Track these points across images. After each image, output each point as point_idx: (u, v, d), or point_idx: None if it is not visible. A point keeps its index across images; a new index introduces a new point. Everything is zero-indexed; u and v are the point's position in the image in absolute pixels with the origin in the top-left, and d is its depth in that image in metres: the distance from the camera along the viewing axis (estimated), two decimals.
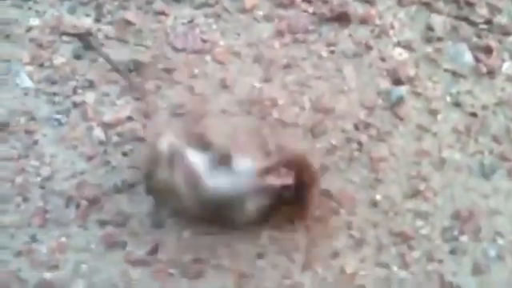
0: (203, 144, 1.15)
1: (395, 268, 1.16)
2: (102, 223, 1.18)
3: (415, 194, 1.22)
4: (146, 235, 1.18)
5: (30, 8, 1.34)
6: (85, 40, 1.25)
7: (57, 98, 1.28)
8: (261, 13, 1.35)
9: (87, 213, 1.18)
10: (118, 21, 1.34)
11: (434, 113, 1.30)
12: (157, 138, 1.13)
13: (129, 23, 1.33)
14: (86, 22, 1.33)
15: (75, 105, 1.27)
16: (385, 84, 1.31)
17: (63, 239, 1.17)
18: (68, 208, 1.19)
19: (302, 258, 1.17)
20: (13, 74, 1.28)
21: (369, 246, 1.18)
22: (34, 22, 1.33)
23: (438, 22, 1.36)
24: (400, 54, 1.33)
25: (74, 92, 1.28)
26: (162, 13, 1.35)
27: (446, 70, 1.33)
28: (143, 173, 1.14)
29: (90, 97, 1.28)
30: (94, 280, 1.13)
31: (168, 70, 1.30)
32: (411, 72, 1.32)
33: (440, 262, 1.17)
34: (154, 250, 1.16)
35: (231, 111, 1.28)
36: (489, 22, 1.36)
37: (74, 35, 1.29)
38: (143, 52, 1.31)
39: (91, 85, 1.29)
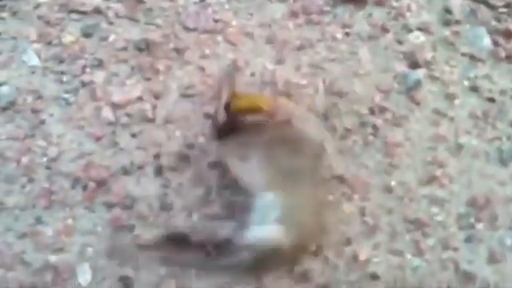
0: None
1: (409, 255, 1.13)
2: (109, 205, 1.15)
3: (431, 179, 1.19)
4: (155, 218, 1.14)
5: None
6: None
7: (65, 77, 1.24)
8: None
9: (94, 195, 1.15)
10: None
11: (450, 97, 1.26)
12: None
13: (139, 1, 1.31)
14: (95, 0, 1.29)
15: (83, 84, 1.24)
16: (401, 67, 1.28)
17: (69, 221, 1.14)
18: (74, 189, 1.16)
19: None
20: (20, 52, 1.25)
21: (382, 233, 1.15)
22: None
23: (457, 4, 1.32)
24: (417, 37, 1.30)
25: (83, 71, 1.25)
26: None
27: (463, 54, 1.29)
28: None
29: (98, 76, 1.25)
30: (100, 263, 1.10)
31: (179, 50, 1.27)
32: (428, 55, 1.28)
33: (455, 249, 1.14)
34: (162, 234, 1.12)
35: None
36: (508, 5, 1.32)
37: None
38: (154, 31, 1.28)
39: (100, 64, 1.25)
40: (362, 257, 1.14)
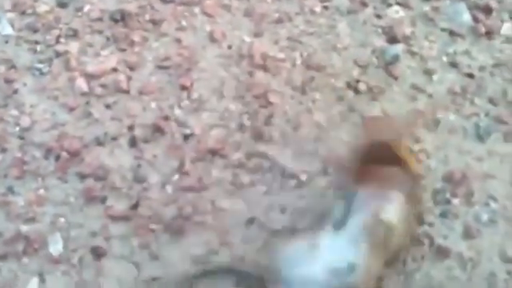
0: None
1: None
2: (82, 176, 1.13)
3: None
4: (128, 190, 1.12)
5: None
6: None
7: (39, 47, 1.23)
8: None
9: (67, 165, 1.14)
10: None
11: (429, 73, 1.25)
12: None
13: None
14: None
15: (58, 54, 1.22)
16: (380, 42, 1.27)
17: (41, 191, 1.12)
18: (47, 160, 1.14)
19: None
20: None
21: None
22: None
23: None
24: (396, 11, 1.29)
25: (57, 41, 1.23)
26: None
27: (443, 30, 1.28)
28: None
29: (73, 46, 1.23)
30: (73, 234, 1.09)
31: (155, 22, 1.26)
32: (407, 30, 1.28)
33: (430, 224, 1.13)
34: (135, 205, 1.11)
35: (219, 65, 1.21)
36: None
37: None
38: (129, 2, 1.27)
39: (75, 34, 1.24)
40: None
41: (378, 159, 1.02)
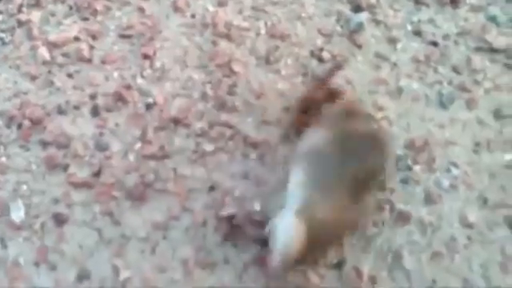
0: None
1: None
2: (44, 144, 1.14)
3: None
4: (90, 158, 1.12)
5: None
6: None
7: (1, 16, 1.23)
8: None
9: (29, 133, 1.14)
10: None
11: (393, 41, 1.26)
12: None
13: None
14: None
15: (20, 23, 1.22)
16: (344, 10, 1.26)
17: (3, 159, 1.12)
18: (9, 128, 1.14)
19: None
20: None
21: None
22: None
23: None
24: None
25: (19, 10, 1.23)
26: None
27: None
28: None
29: (35, 16, 1.23)
30: (35, 201, 1.09)
31: None
32: None
33: (392, 191, 1.13)
34: (97, 173, 1.11)
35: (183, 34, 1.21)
36: None
37: None
38: None
39: (37, 3, 1.24)
40: None
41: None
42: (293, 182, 1.02)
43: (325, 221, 0.99)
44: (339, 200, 1.01)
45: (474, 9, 1.29)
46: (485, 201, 1.10)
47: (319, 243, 1.01)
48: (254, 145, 1.16)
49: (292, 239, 0.98)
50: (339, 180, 1.01)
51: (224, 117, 1.19)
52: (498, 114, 1.18)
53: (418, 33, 1.26)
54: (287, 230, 0.98)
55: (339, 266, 1.06)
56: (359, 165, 1.02)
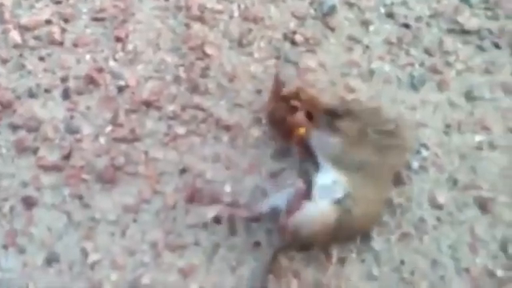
0: None
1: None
2: (14, 127, 1.13)
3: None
4: (60, 141, 1.12)
5: None
6: None
7: None
8: None
9: None
10: None
11: (366, 24, 1.26)
12: None
13: None
14: None
15: None
16: None
17: None
18: None
19: None
20: None
21: None
22: None
23: None
24: None
25: None
26: None
27: None
28: None
29: None
30: (4, 184, 1.09)
31: None
32: None
33: None
34: (67, 156, 1.11)
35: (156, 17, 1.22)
36: None
37: None
38: None
39: None
40: None
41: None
42: (325, 175, 1.03)
43: (357, 216, 1.02)
44: (371, 195, 1.03)
45: None
46: (455, 182, 1.11)
47: (342, 236, 1.04)
48: (226, 127, 1.16)
49: (318, 226, 1.00)
50: (369, 176, 1.03)
51: (196, 99, 1.19)
52: (469, 96, 1.18)
53: (390, 15, 1.26)
54: (317, 215, 1.00)
55: (308, 248, 1.05)
56: (384, 160, 1.03)
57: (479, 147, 1.14)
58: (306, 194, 1.02)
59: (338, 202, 1.02)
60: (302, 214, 1.01)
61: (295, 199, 1.02)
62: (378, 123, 1.04)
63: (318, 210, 1.01)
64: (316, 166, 1.04)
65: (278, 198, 1.05)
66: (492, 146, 1.14)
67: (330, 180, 1.03)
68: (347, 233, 1.05)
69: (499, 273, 1.05)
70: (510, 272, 1.05)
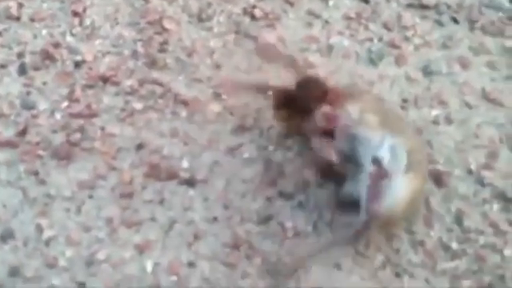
0: None
1: (271, 148, 1.13)
2: None
3: None
4: (16, 117, 1.11)
5: None
6: None
7: None
8: None
9: None
10: None
11: None
12: None
13: None
14: None
15: None
16: None
17: None
18: None
19: None
20: None
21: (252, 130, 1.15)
22: None
23: None
24: None
25: None
26: None
27: None
28: None
29: None
30: None
31: None
32: None
33: None
34: (22, 132, 1.10)
35: None
36: None
37: None
38: None
39: None
40: None
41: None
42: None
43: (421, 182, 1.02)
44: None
45: None
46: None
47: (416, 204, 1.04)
48: (185, 103, 1.16)
49: (400, 198, 1.00)
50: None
51: (154, 74, 1.18)
52: (426, 71, 1.19)
53: None
54: (403, 191, 1.00)
55: (265, 221, 1.06)
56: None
57: (435, 121, 1.15)
58: (383, 174, 1.00)
59: (408, 168, 1.01)
60: (389, 194, 1.00)
61: (373, 183, 1.01)
62: None
63: (400, 185, 1.00)
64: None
65: (350, 187, 1.04)
66: (448, 120, 1.15)
67: (387, 152, 1.01)
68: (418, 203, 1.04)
69: (454, 245, 1.05)
70: (464, 245, 1.06)
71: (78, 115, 1.13)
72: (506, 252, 1.06)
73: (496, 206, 1.09)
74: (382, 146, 1.02)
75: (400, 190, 1.00)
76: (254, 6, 1.24)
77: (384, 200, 1.00)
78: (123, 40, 1.20)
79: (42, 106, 1.13)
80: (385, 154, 1.01)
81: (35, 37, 1.19)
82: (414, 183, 1.00)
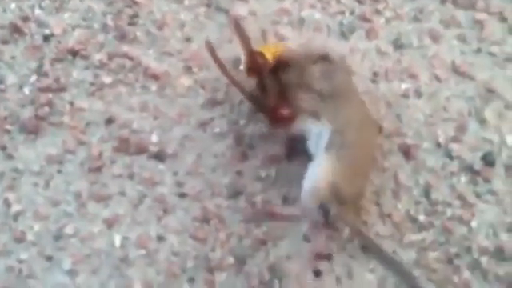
0: None
1: (242, 122, 1.14)
2: None
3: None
4: None
5: None
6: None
7: None
8: None
9: None
10: None
11: None
12: None
13: None
14: None
15: None
16: None
17: None
18: None
19: None
20: None
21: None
22: None
23: None
24: None
25: None
26: None
27: None
28: None
29: None
30: None
31: None
32: None
33: None
34: None
35: None
36: None
37: None
38: None
39: None
40: None
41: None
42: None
43: (353, 149, 1.01)
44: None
45: None
46: (380, 129, 1.11)
47: (354, 175, 1.02)
48: (155, 76, 1.15)
49: (323, 175, 0.99)
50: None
51: (124, 48, 1.18)
52: (397, 44, 1.19)
53: None
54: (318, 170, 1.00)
55: (235, 195, 1.06)
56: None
57: (405, 95, 1.15)
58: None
59: (329, 146, 1.01)
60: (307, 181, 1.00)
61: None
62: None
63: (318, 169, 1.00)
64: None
65: None
66: (418, 93, 1.15)
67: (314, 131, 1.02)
68: (358, 171, 1.03)
69: (421, 218, 1.06)
70: (432, 217, 1.07)
71: (47, 89, 1.12)
72: (473, 224, 1.06)
73: (464, 179, 1.09)
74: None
75: (324, 170, 1.00)
76: None
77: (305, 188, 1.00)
78: (93, 13, 1.20)
79: (11, 80, 1.13)
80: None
81: (4, 10, 1.18)
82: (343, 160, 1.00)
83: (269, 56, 1.04)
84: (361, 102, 1.06)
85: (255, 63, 1.02)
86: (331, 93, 1.01)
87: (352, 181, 1.00)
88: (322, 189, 0.98)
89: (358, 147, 1.01)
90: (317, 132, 1.01)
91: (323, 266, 1.03)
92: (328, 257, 1.04)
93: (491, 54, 1.18)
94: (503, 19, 1.21)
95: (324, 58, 1.06)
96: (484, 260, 1.04)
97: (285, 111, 1.02)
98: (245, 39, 1.03)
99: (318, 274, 1.02)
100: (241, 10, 1.21)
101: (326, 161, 0.99)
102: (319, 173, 0.98)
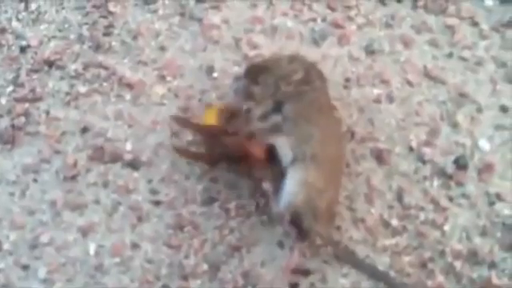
0: None
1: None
2: None
3: (245, 59, 1.18)
4: None
5: None
6: None
7: None
8: None
9: None
10: None
11: None
12: None
13: None
14: None
15: None
16: None
17: None
18: None
19: None
20: None
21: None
22: None
23: None
24: None
25: None
26: None
27: None
28: None
29: None
30: None
31: None
32: None
33: None
34: None
35: None
36: None
37: None
38: None
39: None
40: None
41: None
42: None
43: (320, 160, 1.02)
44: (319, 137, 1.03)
45: None
46: (352, 135, 1.12)
47: (325, 185, 1.02)
48: (129, 85, 1.17)
49: (292, 189, 1.01)
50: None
51: (100, 58, 1.19)
52: (368, 50, 1.20)
53: None
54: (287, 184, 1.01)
55: (209, 202, 1.07)
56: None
57: (377, 100, 1.16)
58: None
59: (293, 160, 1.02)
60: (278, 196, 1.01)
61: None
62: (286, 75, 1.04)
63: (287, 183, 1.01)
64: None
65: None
66: (390, 98, 1.16)
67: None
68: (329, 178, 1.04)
69: (394, 222, 1.07)
70: (405, 221, 1.07)
71: (23, 99, 1.14)
72: (446, 228, 1.07)
73: (436, 183, 1.10)
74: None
75: (294, 181, 1.01)
76: None
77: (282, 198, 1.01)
78: (69, 24, 1.21)
79: None
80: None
81: None
82: (311, 172, 1.01)
83: (214, 118, 1.08)
84: (329, 108, 1.07)
85: (212, 136, 1.08)
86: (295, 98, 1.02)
87: (323, 191, 1.01)
88: (293, 202, 0.99)
89: (325, 157, 1.02)
90: (282, 149, 1.02)
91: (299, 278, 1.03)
92: (306, 272, 1.04)
93: (463, 59, 1.19)
94: (474, 24, 1.22)
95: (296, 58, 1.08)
96: (458, 264, 1.04)
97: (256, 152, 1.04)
98: (193, 127, 1.11)
99: (294, 286, 1.02)
100: (214, 19, 1.22)
101: (293, 174, 1.00)
102: (288, 187, 0.99)
